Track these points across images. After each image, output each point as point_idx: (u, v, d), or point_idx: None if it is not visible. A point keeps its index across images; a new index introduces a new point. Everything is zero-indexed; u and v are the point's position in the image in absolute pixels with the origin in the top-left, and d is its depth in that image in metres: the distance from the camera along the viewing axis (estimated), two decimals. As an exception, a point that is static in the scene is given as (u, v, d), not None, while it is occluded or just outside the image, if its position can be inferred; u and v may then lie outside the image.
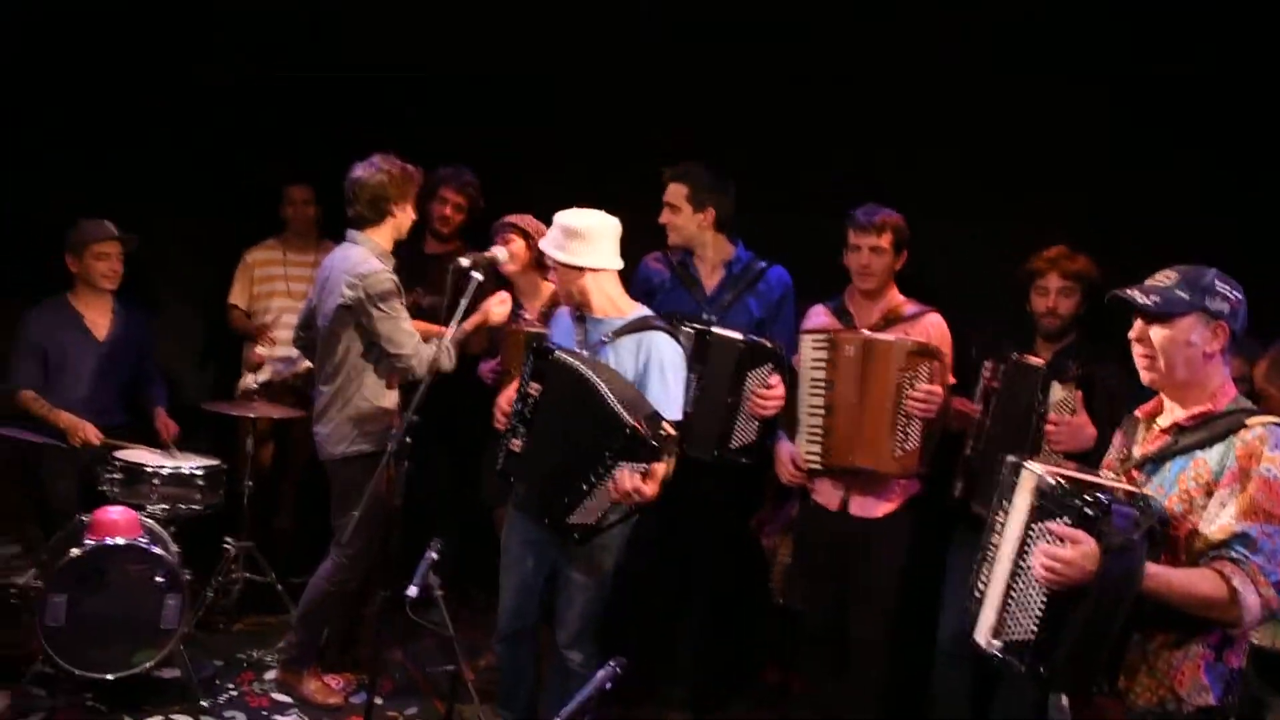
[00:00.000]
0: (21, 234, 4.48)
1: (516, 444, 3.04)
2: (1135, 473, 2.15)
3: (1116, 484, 2.11)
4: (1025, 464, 2.12)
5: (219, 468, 4.04)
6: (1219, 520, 1.97)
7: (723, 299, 3.66)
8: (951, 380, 3.36)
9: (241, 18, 4.70)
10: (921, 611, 3.40)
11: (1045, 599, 1.96)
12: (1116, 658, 1.99)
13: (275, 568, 4.39)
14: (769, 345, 3.41)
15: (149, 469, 3.85)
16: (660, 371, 3.01)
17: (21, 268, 4.38)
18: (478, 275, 3.25)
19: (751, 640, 4.13)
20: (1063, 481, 2.01)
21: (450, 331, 3.25)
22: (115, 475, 3.85)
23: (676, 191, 3.57)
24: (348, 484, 3.50)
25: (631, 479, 2.77)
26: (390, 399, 3.61)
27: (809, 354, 3.39)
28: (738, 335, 3.38)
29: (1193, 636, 2.00)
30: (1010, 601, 2.04)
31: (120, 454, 3.91)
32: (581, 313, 3.14)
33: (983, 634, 2.12)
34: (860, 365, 3.29)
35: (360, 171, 3.58)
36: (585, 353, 3.05)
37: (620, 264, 3.15)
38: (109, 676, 3.37)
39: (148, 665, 3.44)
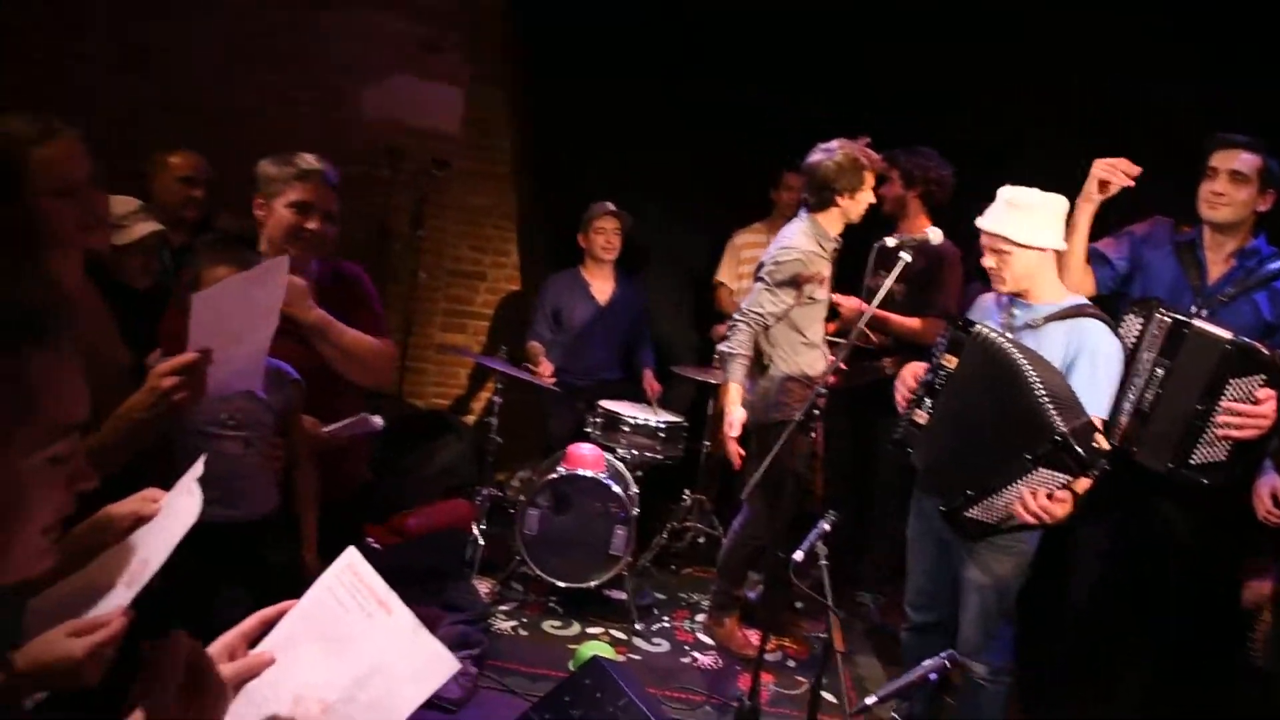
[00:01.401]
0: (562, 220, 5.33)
1: (921, 416, 2.93)
2: None
3: None
4: None
5: (680, 424, 4.51)
6: None
7: (1223, 292, 3.10)
8: None
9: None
10: None
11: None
12: None
13: (726, 525, 4.75)
14: (1264, 352, 2.81)
15: (622, 417, 4.44)
16: (1091, 363, 2.73)
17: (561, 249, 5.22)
18: (905, 256, 3.20)
19: (1225, 708, 3.50)
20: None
21: (867, 310, 3.25)
22: (598, 420, 4.50)
23: (1250, 162, 3.04)
24: (763, 448, 3.67)
25: (1045, 493, 2.56)
26: (814, 369, 3.70)
27: None
28: (1224, 333, 2.84)
29: None
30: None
31: (604, 402, 4.55)
32: (1012, 297, 2.94)
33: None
34: None
35: (815, 155, 3.70)
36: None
37: (1064, 246, 2.91)
38: (563, 584, 3.98)
39: (596, 583, 3.98)
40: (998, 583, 2.89)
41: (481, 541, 4.20)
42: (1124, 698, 3.32)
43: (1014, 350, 2.67)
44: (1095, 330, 2.78)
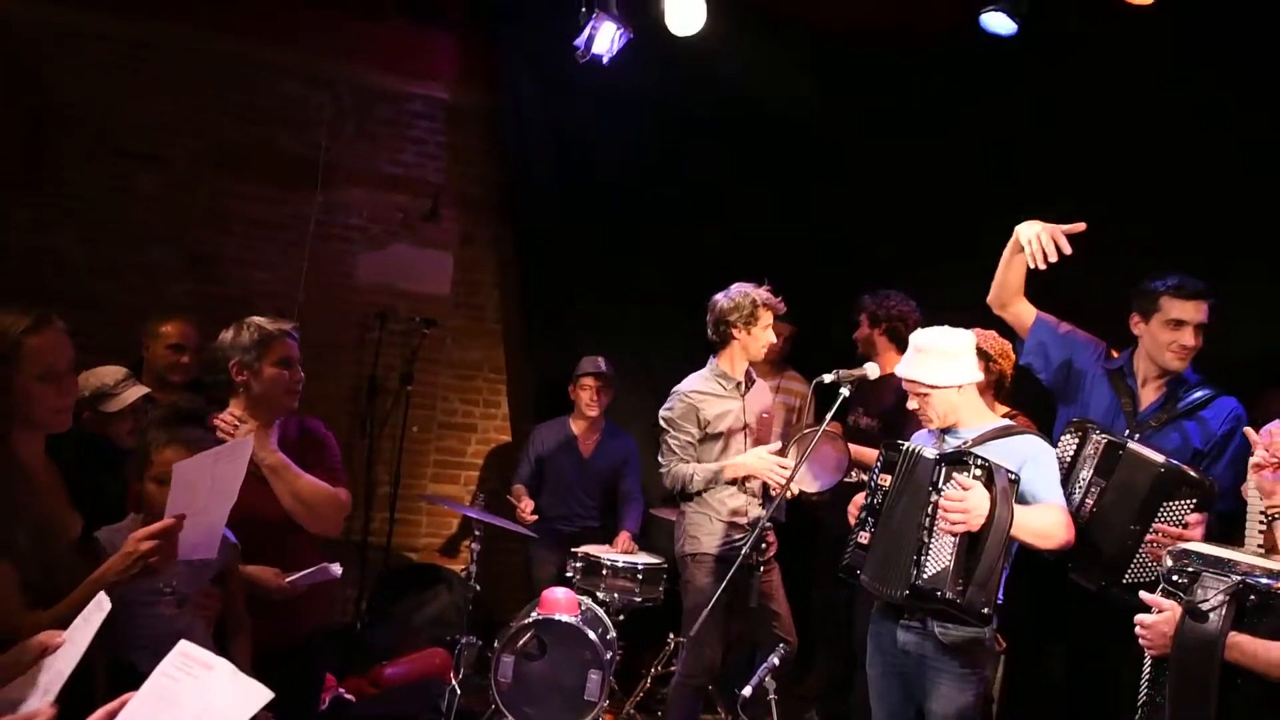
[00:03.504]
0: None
1: (864, 536, 3.04)
2: None
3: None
4: None
5: (659, 566, 4.56)
6: None
7: (1154, 417, 3.22)
8: None
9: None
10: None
11: None
12: None
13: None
14: (1194, 476, 2.92)
15: (601, 561, 4.50)
16: (1035, 464, 2.91)
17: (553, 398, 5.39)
18: (844, 391, 3.35)
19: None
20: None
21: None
22: (578, 564, 4.57)
23: (1207, 309, 3.14)
24: (685, 581, 3.84)
25: (951, 494, 2.73)
26: (726, 504, 3.83)
27: (1251, 480, 2.83)
28: (1158, 457, 2.95)
29: None
30: None
31: (584, 547, 4.63)
32: (943, 429, 3.07)
33: None
34: None
35: (716, 297, 3.96)
36: None
37: (980, 376, 3.05)
38: (536, 733, 3.96)
39: (571, 730, 3.96)
40: (961, 713, 2.88)
41: (459, 691, 4.21)
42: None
43: (930, 448, 2.92)
44: (1029, 441, 2.97)
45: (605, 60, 4.58)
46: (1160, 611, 2.03)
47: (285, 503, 2.70)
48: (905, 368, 3.05)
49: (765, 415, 4.03)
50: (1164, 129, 3.85)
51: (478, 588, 4.41)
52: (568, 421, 5.13)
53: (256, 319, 2.82)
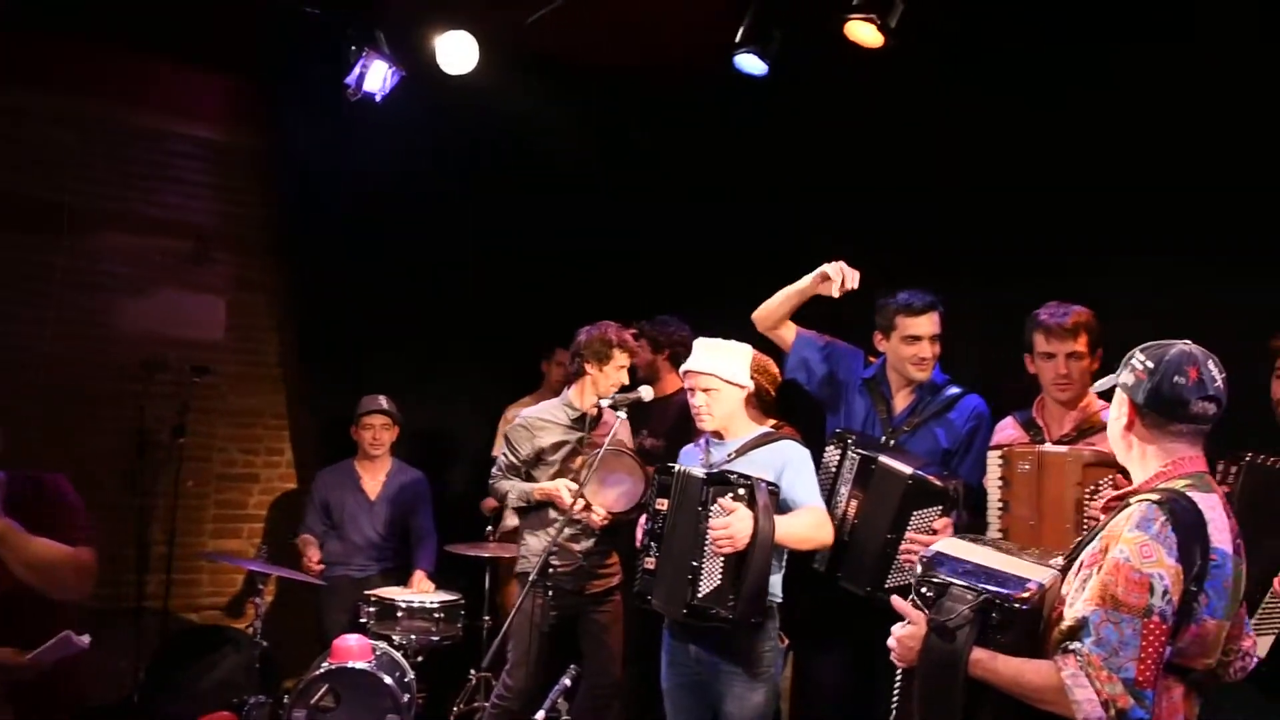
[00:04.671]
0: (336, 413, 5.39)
1: (650, 562, 3.15)
2: None
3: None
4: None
5: (456, 602, 4.52)
6: (1074, 606, 1.84)
7: (907, 422, 3.46)
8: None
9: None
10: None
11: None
12: None
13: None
14: (938, 485, 3.14)
15: (395, 603, 4.41)
16: (794, 470, 3.13)
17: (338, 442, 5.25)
18: (620, 414, 3.48)
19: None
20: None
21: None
22: (371, 609, 4.45)
23: (939, 319, 3.37)
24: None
25: (719, 516, 2.91)
26: (555, 527, 3.84)
27: (991, 473, 3.14)
28: (906, 469, 3.17)
29: None
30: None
31: (375, 590, 4.53)
32: (709, 439, 3.24)
33: None
34: (1035, 483, 2.99)
35: (580, 330, 4.05)
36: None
37: (751, 385, 3.25)
38: (334, 787, 3.82)
39: (371, 779, 3.84)
40: (754, 711, 3.05)
41: (249, 754, 4.02)
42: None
43: (697, 469, 3.12)
44: (786, 446, 3.20)
45: (378, 99, 4.58)
46: (909, 623, 2.01)
47: (17, 571, 2.47)
48: (698, 361, 3.19)
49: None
50: (907, 157, 4.22)
51: (264, 644, 4.23)
52: (353, 464, 5.01)
53: None
